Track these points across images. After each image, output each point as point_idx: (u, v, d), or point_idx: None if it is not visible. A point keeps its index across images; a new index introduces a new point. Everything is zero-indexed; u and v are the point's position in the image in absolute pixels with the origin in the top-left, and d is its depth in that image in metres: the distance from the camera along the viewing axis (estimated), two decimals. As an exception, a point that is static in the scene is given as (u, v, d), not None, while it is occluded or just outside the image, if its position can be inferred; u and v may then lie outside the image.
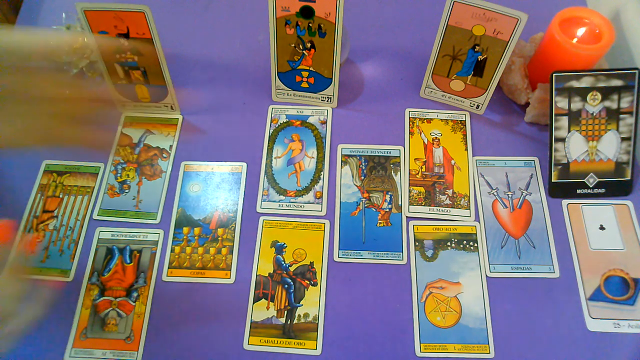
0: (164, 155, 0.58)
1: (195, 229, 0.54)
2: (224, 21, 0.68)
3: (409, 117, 0.60)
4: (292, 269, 0.52)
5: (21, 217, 0.54)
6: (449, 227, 0.54)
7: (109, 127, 0.58)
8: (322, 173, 0.57)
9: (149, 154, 0.58)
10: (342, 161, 0.58)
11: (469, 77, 0.57)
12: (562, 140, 0.55)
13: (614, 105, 0.54)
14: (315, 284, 0.51)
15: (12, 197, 0.55)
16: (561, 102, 0.54)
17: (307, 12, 0.52)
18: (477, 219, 0.54)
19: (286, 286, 0.51)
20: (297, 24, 0.53)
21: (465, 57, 0.55)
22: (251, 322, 0.49)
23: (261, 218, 0.54)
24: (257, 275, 0.51)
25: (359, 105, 0.61)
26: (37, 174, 0.56)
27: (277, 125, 0.60)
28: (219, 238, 0.53)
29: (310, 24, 0.53)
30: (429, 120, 0.60)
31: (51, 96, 0.40)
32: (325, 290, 0.50)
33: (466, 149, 0.58)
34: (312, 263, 0.52)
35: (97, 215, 0.54)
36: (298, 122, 0.60)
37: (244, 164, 0.57)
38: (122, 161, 0.57)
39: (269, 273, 0.51)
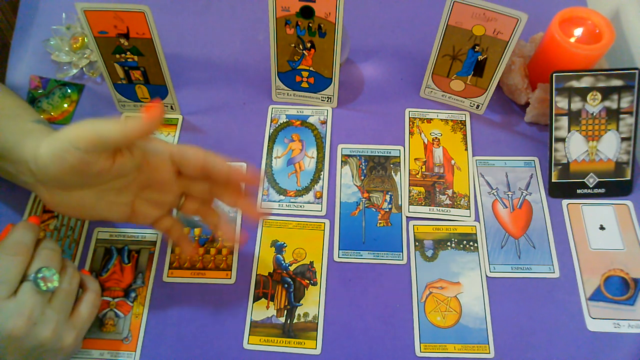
0: (164, 155, 0.58)
1: (195, 229, 0.54)
2: (224, 21, 0.68)
3: (409, 117, 0.60)
4: (292, 268, 0.52)
5: (21, 217, 0.54)
6: (449, 227, 0.54)
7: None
8: (322, 173, 0.57)
9: (149, 154, 0.58)
10: (342, 161, 0.58)
11: (469, 77, 0.57)
12: (562, 140, 0.55)
13: (614, 105, 0.54)
14: (315, 284, 0.51)
15: (13, 198, 0.55)
16: (561, 102, 0.54)
17: (307, 12, 0.52)
18: (477, 219, 0.54)
19: (286, 285, 0.51)
20: (297, 24, 0.53)
21: (465, 57, 0.55)
22: (251, 322, 0.49)
23: (261, 218, 0.54)
24: (257, 274, 0.51)
25: (359, 105, 0.61)
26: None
27: (277, 125, 0.60)
28: (220, 239, 0.53)
29: (310, 24, 0.53)
30: (429, 120, 0.60)
31: None
32: (325, 290, 0.50)
33: (466, 149, 0.58)
34: (312, 263, 0.52)
35: (97, 215, 0.54)
36: (298, 122, 0.60)
37: (244, 164, 0.57)
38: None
39: (269, 272, 0.51)
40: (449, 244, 0.53)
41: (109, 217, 0.44)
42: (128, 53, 0.54)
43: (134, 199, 0.44)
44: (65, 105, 0.61)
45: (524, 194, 0.55)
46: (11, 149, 0.42)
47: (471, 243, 0.53)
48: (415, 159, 0.57)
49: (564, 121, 0.54)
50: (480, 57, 0.55)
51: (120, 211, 0.44)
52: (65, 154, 0.37)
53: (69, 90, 0.62)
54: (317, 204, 0.55)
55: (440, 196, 0.55)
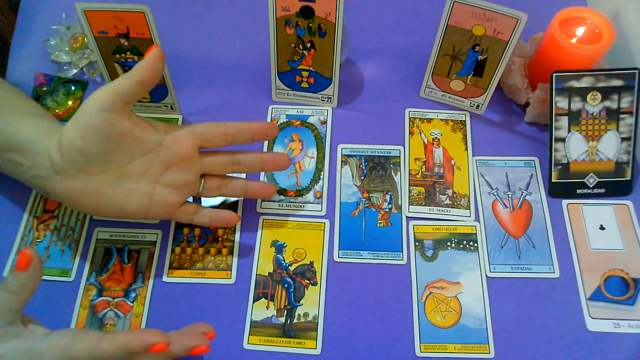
0: (164, 155, 0.58)
1: (195, 229, 0.54)
2: (224, 21, 0.68)
3: (409, 117, 0.60)
4: (292, 268, 0.52)
5: (21, 217, 0.54)
6: (449, 227, 0.54)
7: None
8: (322, 173, 0.57)
9: (149, 154, 0.58)
10: (342, 161, 0.58)
11: (469, 77, 0.57)
12: (562, 140, 0.55)
13: (614, 105, 0.54)
14: (315, 284, 0.51)
15: (13, 197, 0.55)
16: (561, 102, 0.54)
17: (307, 12, 0.52)
18: (477, 219, 0.54)
19: (286, 285, 0.51)
20: (297, 24, 0.53)
21: (465, 57, 0.55)
22: (251, 322, 0.49)
23: (261, 218, 0.54)
24: (257, 274, 0.51)
25: (359, 105, 0.62)
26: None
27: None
28: (220, 238, 0.53)
29: (310, 24, 0.53)
30: (429, 120, 0.60)
31: None
32: (325, 290, 0.50)
33: (466, 149, 0.58)
34: (312, 262, 0.52)
35: (97, 215, 0.54)
36: (298, 122, 0.60)
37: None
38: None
39: (269, 272, 0.51)
40: (449, 244, 0.53)
41: (126, 208, 0.44)
42: (128, 53, 0.54)
43: (154, 186, 0.45)
44: (70, 103, 0.61)
45: (524, 194, 0.55)
46: (34, 142, 0.44)
47: (471, 243, 0.53)
48: (415, 159, 0.57)
49: (564, 121, 0.54)
50: (480, 57, 0.55)
51: (139, 201, 0.44)
52: (90, 119, 0.40)
53: (73, 88, 0.62)
54: (317, 204, 0.55)
55: (440, 196, 0.55)
